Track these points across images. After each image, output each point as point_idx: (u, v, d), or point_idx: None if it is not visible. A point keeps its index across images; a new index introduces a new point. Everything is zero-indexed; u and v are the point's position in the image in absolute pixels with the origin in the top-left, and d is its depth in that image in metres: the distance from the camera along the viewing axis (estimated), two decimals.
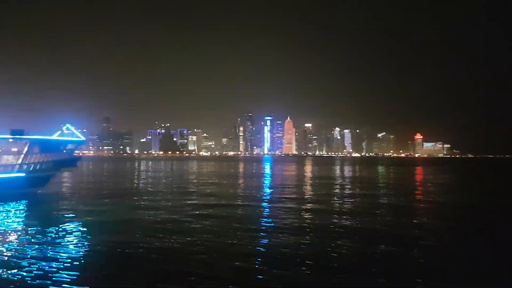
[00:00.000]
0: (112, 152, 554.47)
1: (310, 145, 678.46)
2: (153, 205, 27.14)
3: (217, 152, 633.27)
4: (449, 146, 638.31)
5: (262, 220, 20.93)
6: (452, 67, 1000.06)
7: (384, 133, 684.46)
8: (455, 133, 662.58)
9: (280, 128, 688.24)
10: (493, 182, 61.35)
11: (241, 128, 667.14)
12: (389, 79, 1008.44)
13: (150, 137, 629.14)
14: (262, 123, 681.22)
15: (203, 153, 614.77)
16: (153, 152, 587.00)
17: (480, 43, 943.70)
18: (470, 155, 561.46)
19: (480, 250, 15.81)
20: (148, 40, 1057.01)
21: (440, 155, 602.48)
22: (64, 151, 39.49)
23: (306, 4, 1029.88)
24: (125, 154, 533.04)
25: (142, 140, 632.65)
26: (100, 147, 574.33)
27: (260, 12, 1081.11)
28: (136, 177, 62.78)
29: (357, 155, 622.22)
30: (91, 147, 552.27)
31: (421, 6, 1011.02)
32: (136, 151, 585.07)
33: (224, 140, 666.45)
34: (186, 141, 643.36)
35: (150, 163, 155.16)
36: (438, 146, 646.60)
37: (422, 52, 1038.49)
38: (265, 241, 16.69)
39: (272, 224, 20.05)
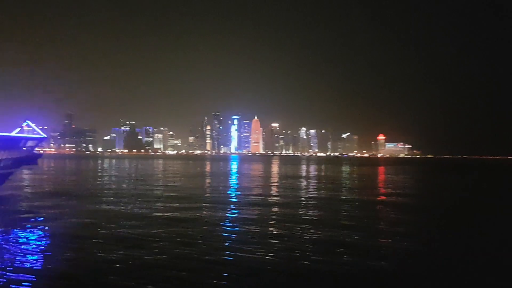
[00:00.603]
0: (74, 149, 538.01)
1: (277, 144, 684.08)
2: (114, 209, 25.93)
3: (183, 151, 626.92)
4: (410, 146, 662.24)
5: (229, 226, 20.35)
6: (414, 69, 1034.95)
7: (348, 133, 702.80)
8: (416, 134, 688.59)
9: (247, 128, 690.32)
10: (448, 181, 63.67)
11: (208, 127, 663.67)
12: (354, 80, 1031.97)
13: (114, 134, 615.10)
14: (230, 122, 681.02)
15: (169, 151, 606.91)
16: (117, 150, 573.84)
17: (443, 44, 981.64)
18: (429, 156, 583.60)
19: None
20: (113, 36, 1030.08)
21: (402, 155, 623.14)
22: (24, 148, 37.68)
23: (271, 4, 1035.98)
24: (87, 152, 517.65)
25: (105, 137, 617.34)
26: (62, 145, 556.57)
27: (228, 12, 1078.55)
28: (98, 176, 60.73)
29: (322, 154, 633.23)
30: (52, 145, 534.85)
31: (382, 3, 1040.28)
32: (100, 149, 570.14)
33: (191, 138, 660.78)
34: (151, 139, 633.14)
35: (114, 161, 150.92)
36: (400, 146, 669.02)
37: (385, 54, 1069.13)
38: (231, 252, 15.97)
39: (239, 230, 19.59)
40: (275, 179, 57.12)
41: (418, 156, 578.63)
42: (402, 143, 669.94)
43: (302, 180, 56.02)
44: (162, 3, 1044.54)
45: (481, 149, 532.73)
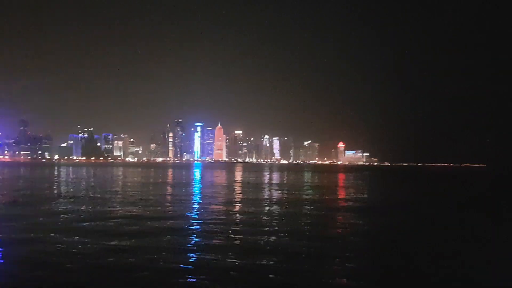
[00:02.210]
0: (29, 157, 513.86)
1: (240, 151, 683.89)
2: (69, 220, 23.95)
3: (144, 158, 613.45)
4: (368, 154, 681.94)
5: (190, 239, 18.86)
6: (371, 77, 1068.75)
7: (310, 141, 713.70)
8: (374, 142, 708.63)
9: (210, 135, 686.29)
10: (402, 186, 65.14)
11: (171, 134, 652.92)
12: (315, 89, 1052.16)
13: (71, 141, 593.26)
14: (193, 129, 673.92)
15: (129, 159, 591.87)
16: (75, 158, 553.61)
17: (404, 49, 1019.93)
18: (386, 163, 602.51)
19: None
20: (70, 39, 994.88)
21: (360, 162, 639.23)
22: None
23: (232, 10, 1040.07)
24: (43, 160, 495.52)
25: (62, 144, 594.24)
26: (17, 152, 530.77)
27: (189, 18, 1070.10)
28: (54, 184, 57.24)
29: (285, 162, 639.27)
30: (6, 152, 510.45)
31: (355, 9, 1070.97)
32: (56, 157, 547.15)
33: (153, 145, 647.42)
34: (111, 146, 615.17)
35: (71, 169, 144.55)
36: (359, 154, 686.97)
37: (344, 62, 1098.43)
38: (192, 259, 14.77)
39: (202, 242, 18.25)
40: (237, 187, 56.02)
41: (376, 164, 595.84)
42: (360, 151, 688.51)
43: (265, 188, 55.18)
44: (122, 10, 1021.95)
45: (436, 157, 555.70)
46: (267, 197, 40.51)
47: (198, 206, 31.41)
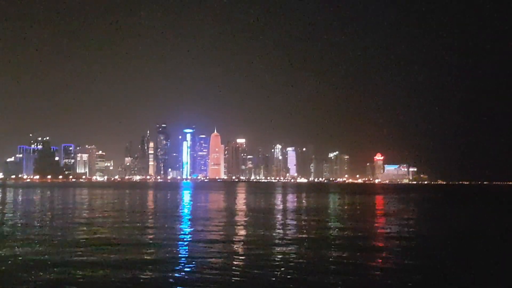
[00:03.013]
0: None
1: (243, 167, 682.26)
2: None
3: (117, 177, 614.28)
4: (415, 169, 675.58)
5: None
6: (420, 71, 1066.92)
7: (337, 152, 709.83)
8: (423, 154, 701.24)
9: (204, 145, 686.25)
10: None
11: (151, 144, 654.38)
12: (343, 86, 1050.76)
13: (21, 155, 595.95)
14: (180, 137, 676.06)
15: (97, 177, 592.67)
16: (25, 177, 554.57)
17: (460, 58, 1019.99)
18: (440, 181, 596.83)
19: None
20: (18, 31, 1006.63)
21: (405, 180, 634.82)
22: None
23: (232, 9, 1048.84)
24: None
25: (9, 159, 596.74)
26: None
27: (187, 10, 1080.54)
28: None
29: (303, 180, 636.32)
30: None
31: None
32: (0, 175, 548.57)
33: (128, 160, 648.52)
34: (73, 161, 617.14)
35: (20, 191, 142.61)
36: (403, 169, 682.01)
37: (382, 49, 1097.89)
38: None
39: None
40: (239, 224, 52.64)
41: (426, 182, 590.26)
42: (405, 165, 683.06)
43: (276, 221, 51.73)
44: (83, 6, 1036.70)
45: (506, 174, 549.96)
46: (280, 234, 37.05)
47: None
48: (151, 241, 32.83)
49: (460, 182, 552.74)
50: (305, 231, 40.32)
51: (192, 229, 42.50)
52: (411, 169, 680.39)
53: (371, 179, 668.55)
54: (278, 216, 56.77)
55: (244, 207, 74.54)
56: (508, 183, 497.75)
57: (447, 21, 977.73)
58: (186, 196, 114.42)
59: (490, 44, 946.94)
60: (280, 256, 26.35)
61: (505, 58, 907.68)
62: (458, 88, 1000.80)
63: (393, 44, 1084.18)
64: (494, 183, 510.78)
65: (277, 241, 32.82)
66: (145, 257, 26.11)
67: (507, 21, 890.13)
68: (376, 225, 47.83)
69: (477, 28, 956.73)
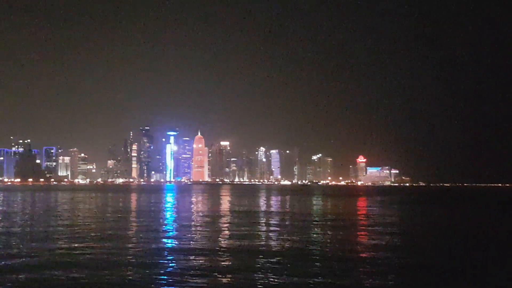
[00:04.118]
0: None
1: (227, 169, 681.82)
2: None
3: (99, 179, 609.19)
4: (397, 172, 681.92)
5: None
6: (403, 74, 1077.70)
7: (320, 155, 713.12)
8: (405, 156, 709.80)
9: (188, 147, 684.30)
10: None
11: (134, 147, 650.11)
12: (326, 88, 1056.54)
13: (1, 158, 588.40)
14: (164, 140, 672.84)
15: (79, 180, 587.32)
16: (6, 179, 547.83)
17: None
18: (421, 183, 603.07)
19: None
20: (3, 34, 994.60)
21: (387, 182, 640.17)
22: None
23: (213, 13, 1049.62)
24: None
25: None
26: None
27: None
28: None
29: (287, 182, 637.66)
30: None
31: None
32: None
33: (110, 162, 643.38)
34: (54, 163, 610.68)
35: (1, 195, 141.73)
36: (385, 171, 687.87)
37: (366, 54, 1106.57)
38: None
39: None
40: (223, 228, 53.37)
41: (408, 184, 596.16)
42: (387, 167, 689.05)
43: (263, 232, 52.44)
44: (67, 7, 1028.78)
45: (486, 176, 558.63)
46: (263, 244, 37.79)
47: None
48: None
49: (441, 184, 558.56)
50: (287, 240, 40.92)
51: (176, 242, 42.89)
52: (393, 171, 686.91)
53: (353, 181, 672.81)
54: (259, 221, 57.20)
55: (227, 208, 74.91)
56: (487, 185, 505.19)
57: (429, 23, 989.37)
58: (170, 202, 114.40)
59: (469, 49, 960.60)
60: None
61: (484, 63, 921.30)
62: (438, 93, 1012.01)
63: (374, 48, 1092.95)
64: (473, 185, 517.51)
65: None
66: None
67: (480, 21, 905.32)
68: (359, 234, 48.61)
69: (455, 30, 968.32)
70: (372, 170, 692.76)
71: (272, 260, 26.47)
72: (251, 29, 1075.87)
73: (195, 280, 21.19)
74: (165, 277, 22.15)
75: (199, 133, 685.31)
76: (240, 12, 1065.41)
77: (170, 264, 25.34)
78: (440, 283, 21.08)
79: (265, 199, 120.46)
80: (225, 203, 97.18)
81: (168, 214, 64.95)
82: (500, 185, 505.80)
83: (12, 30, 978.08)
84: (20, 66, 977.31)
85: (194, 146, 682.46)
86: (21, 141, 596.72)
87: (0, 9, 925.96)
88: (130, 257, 27.20)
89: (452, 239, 38.63)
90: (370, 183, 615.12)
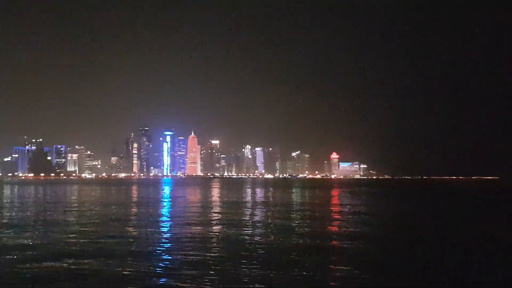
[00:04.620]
0: None
1: (217, 165, 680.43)
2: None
3: (104, 174, 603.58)
4: (365, 166, 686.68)
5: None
6: (370, 79, 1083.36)
7: (298, 152, 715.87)
8: (372, 153, 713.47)
9: (182, 145, 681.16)
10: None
11: (135, 145, 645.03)
12: (304, 93, 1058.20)
13: (16, 155, 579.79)
14: (161, 139, 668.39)
15: (86, 175, 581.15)
16: (21, 175, 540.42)
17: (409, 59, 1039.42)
18: (387, 176, 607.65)
19: None
20: (14, 40, 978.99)
21: (357, 176, 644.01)
22: None
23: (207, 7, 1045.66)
24: None
25: (6, 159, 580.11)
26: None
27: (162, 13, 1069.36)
28: None
29: (270, 176, 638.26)
30: None
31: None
32: None
33: (114, 159, 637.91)
34: (64, 160, 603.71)
35: (16, 188, 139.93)
36: (355, 166, 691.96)
37: (336, 63, 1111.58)
38: None
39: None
40: (214, 214, 53.53)
41: (374, 177, 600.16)
42: (357, 162, 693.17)
43: (248, 221, 52.70)
44: (74, 8, 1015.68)
45: (444, 169, 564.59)
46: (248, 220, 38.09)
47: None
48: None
49: (403, 177, 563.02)
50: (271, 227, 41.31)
51: (174, 222, 42.99)
52: (362, 166, 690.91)
53: (328, 174, 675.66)
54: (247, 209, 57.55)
55: (218, 204, 74.97)
56: (443, 177, 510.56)
57: (395, 18, 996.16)
58: (167, 192, 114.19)
59: (437, 45, 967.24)
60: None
61: (450, 59, 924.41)
62: (403, 95, 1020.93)
63: (344, 51, 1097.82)
64: (432, 177, 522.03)
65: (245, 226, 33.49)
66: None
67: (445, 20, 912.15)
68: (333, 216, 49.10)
69: (418, 28, 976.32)
70: (344, 165, 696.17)
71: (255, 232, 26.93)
72: (236, 36, 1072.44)
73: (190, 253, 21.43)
74: (167, 245, 22.35)
75: (192, 133, 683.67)
76: (229, 21, 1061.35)
77: (167, 235, 25.59)
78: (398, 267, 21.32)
79: (250, 190, 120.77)
80: (216, 194, 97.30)
81: (165, 204, 65.01)
82: (454, 178, 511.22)
83: (27, 36, 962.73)
84: (33, 73, 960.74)
85: (188, 144, 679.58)
86: (33, 140, 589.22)
87: (15, 13, 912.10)
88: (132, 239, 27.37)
89: (405, 226, 39.20)
90: (342, 176, 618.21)
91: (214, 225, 35.82)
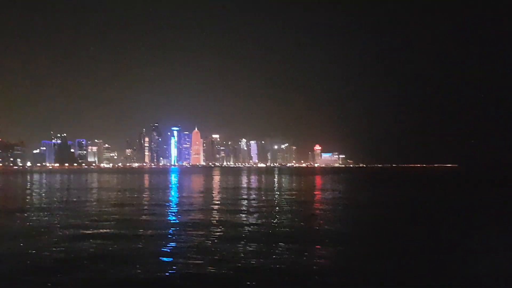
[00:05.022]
0: (1, 165, 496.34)
1: (217, 155, 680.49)
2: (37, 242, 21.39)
3: (120, 164, 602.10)
4: (343, 156, 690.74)
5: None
6: (346, 80, 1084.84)
7: (287, 144, 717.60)
8: (350, 144, 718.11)
9: (187, 139, 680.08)
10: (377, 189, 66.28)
11: (147, 139, 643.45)
12: (292, 92, 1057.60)
13: (44, 148, 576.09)
14: (169, 133, 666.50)
15: (104, 165, 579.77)
16: (48, 165, 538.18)
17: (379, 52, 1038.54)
18: (362, 165, 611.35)
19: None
20: (39, 42, 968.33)
21: (336, 164, 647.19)
22: None
23: (206, 13, 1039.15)
24: (16, 167, 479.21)
25: (35, 151, 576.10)
26: None
27: (165, 20, 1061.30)
28: (25, 193, 55.57)
29: (262, 165, 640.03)
30: None
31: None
32: (29, 164, 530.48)
33: (128, 151, 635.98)
34: (85, 152, 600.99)
35: (44, 176, 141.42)
36: (335, 156, 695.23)
37: (320, 65, 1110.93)
38: None
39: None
40: (216, 194, 55.85)
41: (351, 166, 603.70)
42: (336, 153, 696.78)
43: (244, 196, 55.08)
44: (95, 10, 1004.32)
45: (410, 158, 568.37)
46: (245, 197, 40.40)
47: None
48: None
49: (376, 165, 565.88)
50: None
51: (182, 202, 45.07)
52: (341, 156, 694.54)
53: (312, 163, 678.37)
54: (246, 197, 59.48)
55: (218, 187, 76.96)
56: (411, 165, 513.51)
57: (371, 11, 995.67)
58: (175, 178, 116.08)
59: (409, 36, 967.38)
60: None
61: (420, 49, 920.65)
62: (378, 91, 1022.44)
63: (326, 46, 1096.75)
64: (400, 165, 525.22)
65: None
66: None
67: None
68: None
69: (393, 23, 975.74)
70: (325, 155, 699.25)
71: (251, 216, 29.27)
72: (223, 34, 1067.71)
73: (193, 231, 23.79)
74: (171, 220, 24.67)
75: (196, 129, 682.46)
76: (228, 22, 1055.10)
77: (174, 219, 27.95)
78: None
79: (246, 177, 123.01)
80: (216, 181, 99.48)
81: (173, 189, 67.08)
82: (419, 165, 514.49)
83: (45, 29, 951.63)
84: (58, 74, 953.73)
85: (192, 138, 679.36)
86: (59, 134, 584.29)
87: (39, 13, 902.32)
88: (145, 216, 29.72)
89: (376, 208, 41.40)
90: (324, 165, 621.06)
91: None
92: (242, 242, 19.27)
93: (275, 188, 64.00)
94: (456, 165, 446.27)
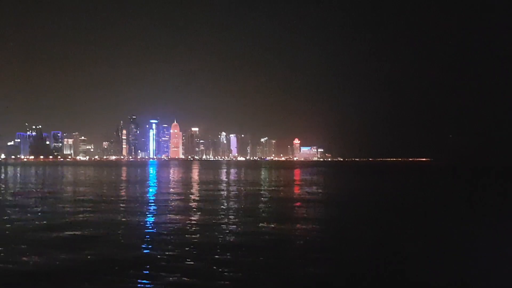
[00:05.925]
0: None
1: (197, 149, 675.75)
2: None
3: (96, 157, 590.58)
4: (322, 150, 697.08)
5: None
6: (324, 73, 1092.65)
7: (266, 138, 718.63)
8: (328, 138, 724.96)
9: (166, 132, 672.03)
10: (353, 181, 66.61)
11: (124, 131, 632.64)
12: (271, 87, 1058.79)
13: (19, 140, 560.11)
14: (147, 126, 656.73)
15: (80, 157, 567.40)
16: (23, 157, 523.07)
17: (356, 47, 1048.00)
18: (340, 159, 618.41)
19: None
20: (14, 31, 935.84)
21: (315, 158, 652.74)
22: None
23: (182, 7, 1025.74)
24: None
25: (9, 143, 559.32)
26: None
27: (146, 10, 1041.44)
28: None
29: (242, 158, 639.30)
30: None
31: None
32: (3, 156, 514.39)
33: (105, 143, 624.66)
34: (61, 144, 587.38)
35: (18, 169, 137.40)
36: (313, 150, 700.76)
37: (300, 61, 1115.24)
38: None
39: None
40: (194, 186, 54.72)
41: (329, 159, 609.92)
42: (315, 147, 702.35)
43: (223, 190, 54.13)
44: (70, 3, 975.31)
45: (386, 152, 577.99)
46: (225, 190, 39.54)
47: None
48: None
49: (353, 159, 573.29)
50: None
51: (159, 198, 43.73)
52: (319, 150, 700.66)
53: (291, 157, 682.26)
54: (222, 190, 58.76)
55: (196, 181, 75.93)
56: (387, 159, 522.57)
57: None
58: (152, 172, 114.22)
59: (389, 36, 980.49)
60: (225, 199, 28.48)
61: (398, 44, 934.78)
62: (355, 84, 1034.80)
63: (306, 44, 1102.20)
64: (376, 159, 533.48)
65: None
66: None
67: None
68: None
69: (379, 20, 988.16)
70: (304, 149, 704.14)
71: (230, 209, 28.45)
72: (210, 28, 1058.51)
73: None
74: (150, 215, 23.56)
75: (175, 121, 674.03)
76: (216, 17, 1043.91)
77: (154, 207, 26.82)
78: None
79: (226, 171, 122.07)
80: (195, 174, 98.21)
81: (151, 183, 65.59)
82: (394, 159, 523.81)
83: (20, 19, 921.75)
84: (29, 62, 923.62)
85: (171, 131, 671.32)
86: (34, 126, 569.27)
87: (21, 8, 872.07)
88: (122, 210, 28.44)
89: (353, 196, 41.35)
90: (302, 159, 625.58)
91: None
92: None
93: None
94: (429, 159, 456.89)
